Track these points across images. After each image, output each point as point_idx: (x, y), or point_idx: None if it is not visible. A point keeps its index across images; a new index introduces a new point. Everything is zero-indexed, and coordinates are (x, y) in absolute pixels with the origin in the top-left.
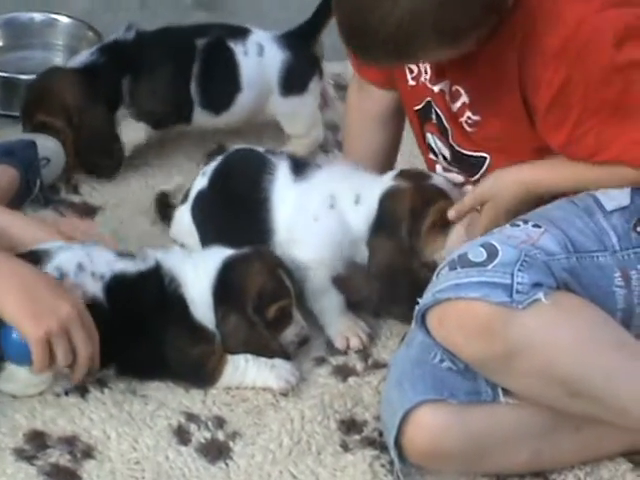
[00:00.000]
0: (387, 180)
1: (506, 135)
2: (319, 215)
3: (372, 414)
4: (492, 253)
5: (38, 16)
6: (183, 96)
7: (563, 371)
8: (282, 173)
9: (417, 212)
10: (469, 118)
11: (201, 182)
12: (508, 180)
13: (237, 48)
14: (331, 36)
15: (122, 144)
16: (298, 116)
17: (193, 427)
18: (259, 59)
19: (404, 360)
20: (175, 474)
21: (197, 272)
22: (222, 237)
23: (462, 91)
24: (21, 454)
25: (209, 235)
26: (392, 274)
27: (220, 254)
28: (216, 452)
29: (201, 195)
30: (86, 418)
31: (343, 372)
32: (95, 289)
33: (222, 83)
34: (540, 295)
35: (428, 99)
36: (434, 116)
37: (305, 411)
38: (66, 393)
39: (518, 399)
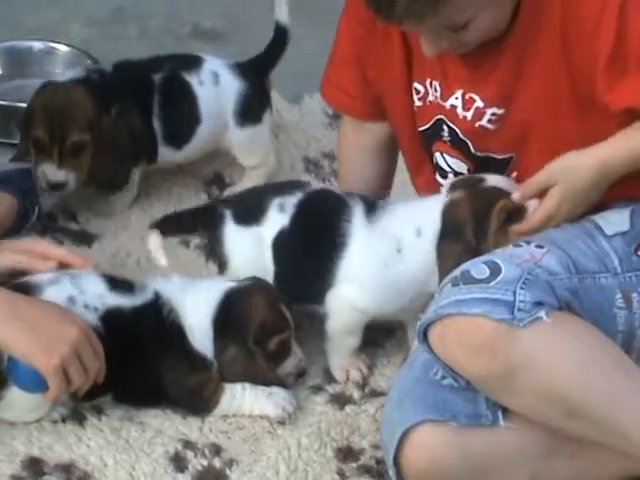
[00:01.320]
0: (442, 198)
1: (534, 120)
2: (389, 262)
3: (369, 442)
4: (495, 270)
5: (37, 44)
6: (149, 134)
7: (563, 392)
8: (357, 217)
9: (480, 217)
10: (493, 114)
11: (281, 218)
12: (582, 161)
13: (192, 79)
14: None
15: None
16: (254, 146)
17: (190, 454)
18: (215, 88)
19: (406, 380)
20: None
21: (197, 302)
22: (297, 274)
23: (476, 97)
24: None
25: (286, 270)
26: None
27: (222, 285)
28: (213, 479)
29: (283, 232)
30: (83, 445)
31: (340, 400)
32: (90, 319)
33: (182, 116)
34: (542, 314)
35: (438, 117)
36: (446, 133)
37: (302, 439)
38: (63, 420)
39: (517, 424)
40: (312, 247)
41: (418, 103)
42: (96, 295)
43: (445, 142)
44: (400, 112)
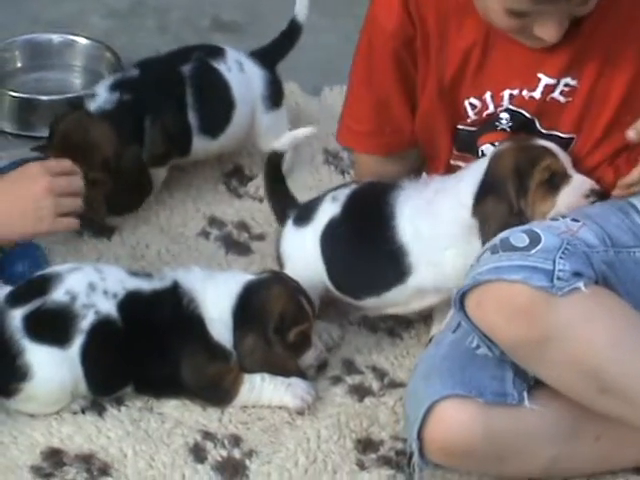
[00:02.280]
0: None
1: (601, 92)
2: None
3: (388, 433)
4: (534, 239)
5: (56, 37)
6: (184, 128)
7: (596, 365)
8: (403, 194)
9: (523, 170)
10: (566, 85)
11: (332, 208)
12: None
13: (221, 67)
14: None
15: (150, 175)
16: (279, 130)
17: (209, 445)
18: (242, 75)
19: (433, 357)
20: None
21: (218, 293)
22: (355, 269)
23: (542, 75)
24: (38, 472)
25: (337, 267)
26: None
27: (242, 277)
28: (232, 470)
29: (333, 223)
30: (103, 436)
31: (359, 392)
32: (108, 308)
33: (217, 104)
34: (580, 285)
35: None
36: (504, 121)
37: (321, 430)
38: (83, 411)
39: (542, 406)
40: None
41: (474, 117)
42: (117, 280)
43: (501, 131)
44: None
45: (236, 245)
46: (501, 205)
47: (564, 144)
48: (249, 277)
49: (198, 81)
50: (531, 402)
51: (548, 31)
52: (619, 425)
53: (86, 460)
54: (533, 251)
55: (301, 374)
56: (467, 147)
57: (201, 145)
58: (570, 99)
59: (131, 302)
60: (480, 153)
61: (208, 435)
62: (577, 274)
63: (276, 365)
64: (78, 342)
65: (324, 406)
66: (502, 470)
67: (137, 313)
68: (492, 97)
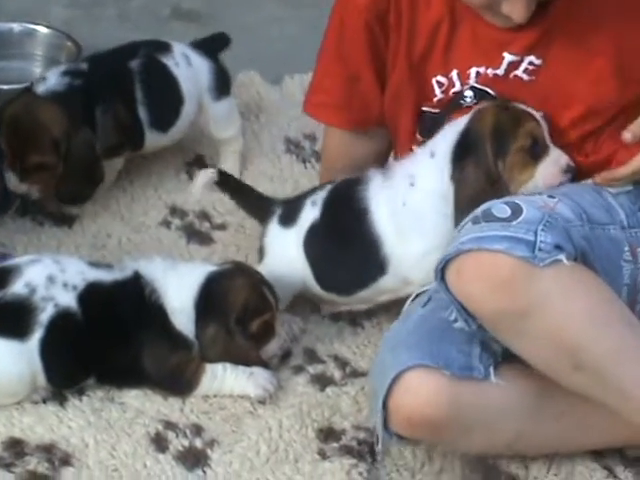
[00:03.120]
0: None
1: (567, 76)
2: (406, 199)
3: (350, 423)
4: (516, 211)
5: (17, 26)
6: (136, 121)
7: (573, 338)
8: (374, 182)
9: (504, 130)
10: (530, 64)
11: (312, 212)
12: None
13: (169, 62)
14: None
15: (102, 165)
16: (230, 118)
17: (171, 435)
18: (189, 69)
19: (401, 330)
20: None
21: (181, 283)
22: (339, 267)
23: (507, 54)
24: None
25: (326, 267)
26: (476, 195)
27: (204, 268)
28: (194, 460)
29: (314, 227)
30: (64, 426)
31: (321, 381)
32: (68, 300)
33: (166, 99)
34: (562, 257)
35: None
36: (469, 99)
37: (283, 420)
38: (44, 401)
39: (508, 382)
40: (343, 231)
41: (440, 96)
42: (76, 272)
43: (466, 108)
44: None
45: (197, 235)
46: (479, 170)
47: None
48: (212, 268)
49: (147, 77)
50: (497, 377)
51: (516, 9)
52: (581, 407)
53: (47, 450)
54: (515, 222)
55: (263, 365)
56: (430, 132)
57: (153, 139)
58: (534, 78)
59: (91, 294)
60: None
61: (169, 425)
62: (558, 247)
63: (238, 356)
64: (37, 335)
65: (286, 395)
66: (466, 443)
67: (97, 305)
68: (459, 75)
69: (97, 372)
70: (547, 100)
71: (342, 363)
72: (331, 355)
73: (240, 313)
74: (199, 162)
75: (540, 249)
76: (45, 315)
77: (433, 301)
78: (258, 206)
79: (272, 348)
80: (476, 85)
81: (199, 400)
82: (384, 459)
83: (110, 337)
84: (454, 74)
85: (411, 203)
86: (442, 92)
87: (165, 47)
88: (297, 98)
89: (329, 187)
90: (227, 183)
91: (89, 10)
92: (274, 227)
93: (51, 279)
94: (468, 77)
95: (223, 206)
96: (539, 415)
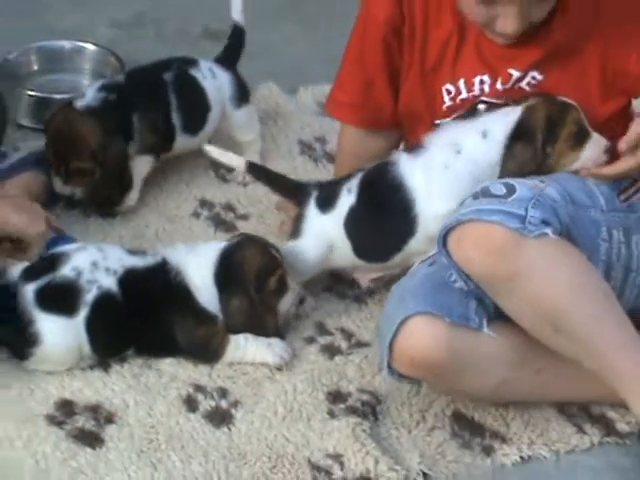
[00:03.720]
0: (517, 109)
1: (562, 89)
2: (449, 163)
3: (355, 387)
4: (511, 190)
5: (68, 44)
6: (169, 126)
7: (553, 303)
8: (402, 159)
9: (554, 120)
10: (533, 78)
11: (349, 199)
12: None
13: (197, 74)
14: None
15: (131, 173)
16: (250, 123)
17: (200, 397)
18: (214, 81)
19: (407, 283)
20: (185, 437)
21: (199, 264)
22: (377, 240)
23: (513, 71)
24: (52, 420)
25: (365, 242)
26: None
27: (217, 245)
28: (220, 418)
29: (352, 210)
30: (108, 389)
31: (330, 350)
32: (109, 283)
33: (196, 106)
34: (548, 231)
35: (475, 102)
36: (482, 106)
37: (297, 384)
38: (91, 368)
39: (497, 334)
40: (380, 210)
41: (449, 103)
42: (116, 258)
43: (480, 111)
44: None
45: (223, 224)
46: (527, 150)
47: None
48: (222, 244)
49: (179, 87)
50: (489, 329)
51: (508, 24)
52: (558, 366)
53: (94, 410)
54: (509, 199)
55: (278, 331)
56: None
57: (183, 142)
58: (535, 89)
59: (128, 278)
60: None
61: (199, 388)
62: (545, 222)
63: (258, 321)
64: (83, 313)
65: (300, 363)
66: (458, 384)
67: (134, 287)
68: (465, 83)
69: (135, 344)
70: None
71: (348, 335)
72: (338, 328)
73: (258, 278)
74: None
75: (530, 222)
76: (90, 296)
77: (437, 263)
78: (294, 189)
79: (288, 299)
80: (485, 99)
81: (225, 367)
82: (385, 417)
83: (145, 315)
84: (461, 82)
85: (454, 167)
86: (450, 99)
87: (193, 62)
88: (310, 106)
89: (360, 175)
90: (259, 171)
91: (130, 30)
92: (312, 211)
93: (95, 264)
94: (473, 85)
95: (246, 199)
96: (521, 367)
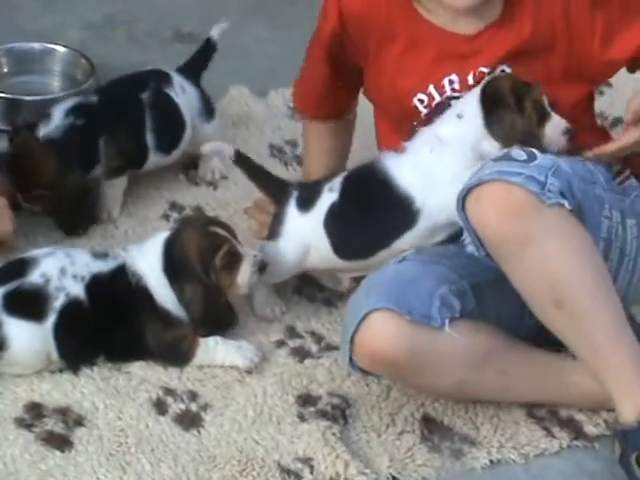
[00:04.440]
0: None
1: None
2: (434, 150)
3: (325, 390)
4: (531, 157)
5: (38, 46)
6: (142, 146)
7: (559, 273)
8: (388, 158)
9: (519, 91)
10: (502, 71)
11: (330, 197)
12: None
13: (171, 92)
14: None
15: (96, 201)
16: (217, 135)
17: (170, 400)
18: (185, 97)
19: (375, 278)
20: (154, 440)
21: (148, 261)
22: (361, 236)
23: (483, 69)
24: (21, 422)
25: (346, 239)
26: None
27: (159, 238)
28: (190, 421)
29: (334, 207)
30: (78, 392)
31: (300, 354)
32: (77, 290)
33: (171, 125)
34: (565, 202)
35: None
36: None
37: (267, 387)
38: (60, 370)
39: (459, 334)
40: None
41: (425, 111)
42: (83, 264)
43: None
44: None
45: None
46: (507, 117)
47: None
48: (164, 235)
49: (154, 106)
50: (451, 329)
51: None
52: (523, 366)
53: (63, 412)
54: (531, 164)
55: (233, 315)
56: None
57: (156, 160)
58: None
59: (95, 284)
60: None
61: (169, 391)
62: (562, 194)
63: (220, 303)
64: (51, 319)
65: (269, 366)
66: (418, 381)
67: (100, 293)
68: (435, 87)
69: (104, 351)
70: None
71: (318, 338)
72: (309, 331)
73: (201, 260)
74: (195, 165)
75: (549, 190)
76: (58, 303)
77: (407, 260)
78: (275, 187)
79: (246, 269)
80: (457, 94)
81: (194, 370)
82: (355, 421)
83: (113, 320)
84: (431, 88)
85: (441, 152)
86: (425, 107)
87: (167, 78)
88: (280, 109)
89: (343, 174)
90: (245, 162)
91: (101, 32)
92: (292, 211)
93: (63, 271)
94: (443, 87)
95: (216, 202)
96: (484, 368)
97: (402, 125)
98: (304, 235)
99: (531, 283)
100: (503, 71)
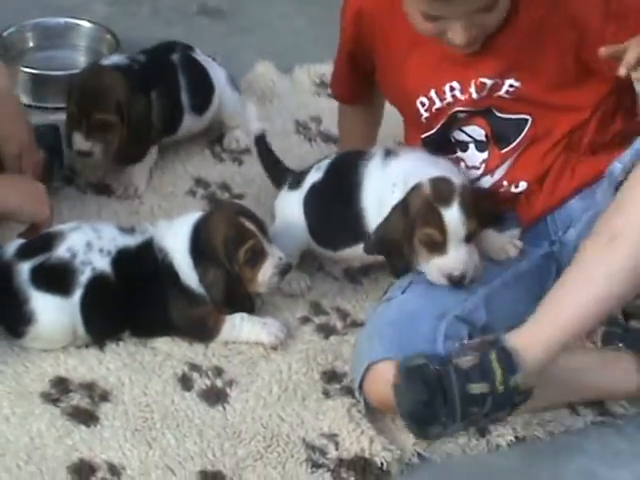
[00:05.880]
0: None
1: (547, 92)
2: (384, 199)
3: (350, 367)
4: None
5: (63, 21)
6: (178, 105)
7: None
8: (374, 160)
9: (419, 218)
10: (510, 86)
11: (315, 175)
12: None
13: (199, 57)
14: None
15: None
16: (241, 107)
17: (195, 375)
18: (210, 64)
19: (380, 318)
20: (179, 415)
21: (176, 240)
22: (328, 227)
23: (486, 80)
24: (47, 397)
25: (317, 224)
26: (390, 246)
27: (190, 218)
28: (215, 397)
29: (313, 188)
30: (103, 367)
31: (325, 330)
32: (103, 264)
33: (202, 86)
34: None
35: (453, 112)
36: (463, 114)
37: (292, 363)
38: (86, 345)
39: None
40: (340, 195)
41: (426, 115)
42: (110, 238)
43: (463, 119)
44: (411, 118)
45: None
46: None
47: (521, 125)
48: (195, 217)
49: (185, 68)
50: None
51: (456, 35)
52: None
53: (89, 387)
54: None
55: (251, 302)
56: (439, 149)
57: (190, 122)
58: (514, 96)
59: (122, 258)
60: (452, 139)
61: (194, 367)
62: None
63: (239, 290)
64: (77, 294)
65: (295, 342)
66: None
67: (127, 268)
68: (436, 92)
69: (130, 326)
70: (530, 105)
71: (343, 315)
72: (334, 308)
73: (226, 249)
74: (221, 141)
75: None
76: (84, 277)
77: (411, 288)
78: (277, 172)
79: (267, 269)
80: (463, 108)
81: (220, 346)
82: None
83: (138, 296)
84: (432, 92)
85: (387, 204)
86: (426, 111)
87: (191, 48)
88: (305, 86)
89: (335, 155)
90: (263, 145)
91: (126, 7)
92: (283, 192)
93: (89, 245)
94: (444, 93)
95: (242, 178)
96: None
97: (414, 123)
98: (292, 212)
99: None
100: (512, 85)
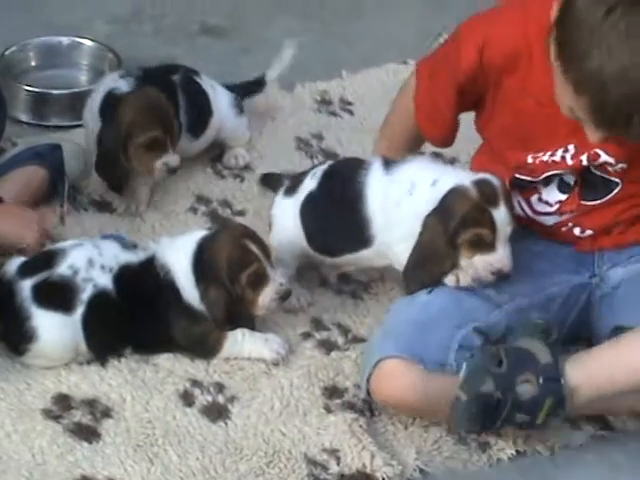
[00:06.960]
0: (463, 177)
1: None
2: (400, 201)
3: (352, 382)
4: None
5: (65, 40)
6: (177, 121)
7: None
8: (375, 168)
9: (468, 219)
10: (622, 169)
11: (311, 184)
12: None
13: (201, 81)
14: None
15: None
16: (244, 129)
17: (197, 392)
18: (213, 92)
19: (397, 318)
20: (181, 432)
21: (179, 257)
22: (327, 234)
23: (601, 152)
24: (49, 414)
25: (315, 231)
26: (428, 252)
27: (195, 236)
28: (217, 413)
29: (310, 195)
30: (105, 383)
31: (326, 346)
32: (105, 281)
33: (200, 109)
34: None
35: (551, 173)
36: (571, 182)
37: (294, 379)
38: (88, 362)
39: None
40: (337, 203)
41: (530, 160)
42: (112, 255)
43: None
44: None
45: (220, 219)
46: (439, 226)
47: (611, 187)
48: (200, 235)
49: (185, 88)
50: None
51: (592, 137)
52: None
53: (90, 404)
54: None
55: (251, 321)
56: (521, 191)
57: (186, 143)
58: (618, 169)
59: (123, 275)
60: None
61: (196, 383)
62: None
63: (240, 310)
64: (79, 311)
65: (296, 358)
66: (436, 417)
67: (128, 284)
68: (549, 149)
69: (132, 342)
70: (625, 174)
71: (345, 330)
72: (335, 323)
73: (229, 271)
74: (220, 157)
75: None
76: (86, 294)
77: (440, 289)
78: (273, 179)
79: (268, 293)
80: (559, 171)
81: (221, 362)
82: (381, 413)
83: (140, 312)
84: (546, 148)
85: (404, 206)
86: (532, 158)
87: (195, 72)
88: (306, 103)
89: (330, 163)
90: (269, 180)
91: (127, 26)
92: (279, 199)
93: (91, 262)
94: (556, 151)
95: (243, 195)
96: None
97: (505, 161)
98: (288, 219)
99: None
100: (622, 168)
